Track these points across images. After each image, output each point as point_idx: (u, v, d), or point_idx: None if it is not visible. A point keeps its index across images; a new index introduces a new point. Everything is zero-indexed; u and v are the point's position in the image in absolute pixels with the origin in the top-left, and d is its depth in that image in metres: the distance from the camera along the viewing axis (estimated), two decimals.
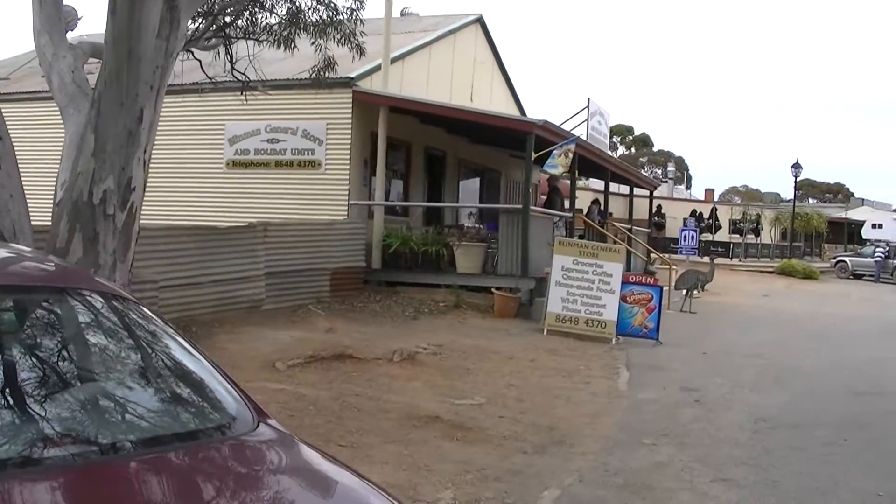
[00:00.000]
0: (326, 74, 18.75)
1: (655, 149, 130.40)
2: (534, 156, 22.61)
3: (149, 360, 4.93)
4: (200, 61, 16.64)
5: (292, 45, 17.83)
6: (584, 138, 27.92)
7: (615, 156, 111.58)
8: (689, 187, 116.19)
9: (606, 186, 33.45)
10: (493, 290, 21.96)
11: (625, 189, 39.86)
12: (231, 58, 16.98)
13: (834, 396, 15.29)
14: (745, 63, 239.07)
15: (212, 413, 4.68)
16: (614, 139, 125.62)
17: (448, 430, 11.23)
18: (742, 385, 15.83)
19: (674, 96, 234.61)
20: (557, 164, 22.23)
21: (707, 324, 25.26)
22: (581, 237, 28.34)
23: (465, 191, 32.04)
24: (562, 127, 25.42)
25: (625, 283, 20.35)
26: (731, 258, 60.88)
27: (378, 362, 14.74)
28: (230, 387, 4.90)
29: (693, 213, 64.50)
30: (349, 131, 24.15)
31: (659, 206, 63.69)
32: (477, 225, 27.04)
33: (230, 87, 19.54)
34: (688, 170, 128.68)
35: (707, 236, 63.06)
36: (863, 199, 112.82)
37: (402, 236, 23.33)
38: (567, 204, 29.12)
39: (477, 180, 33.27)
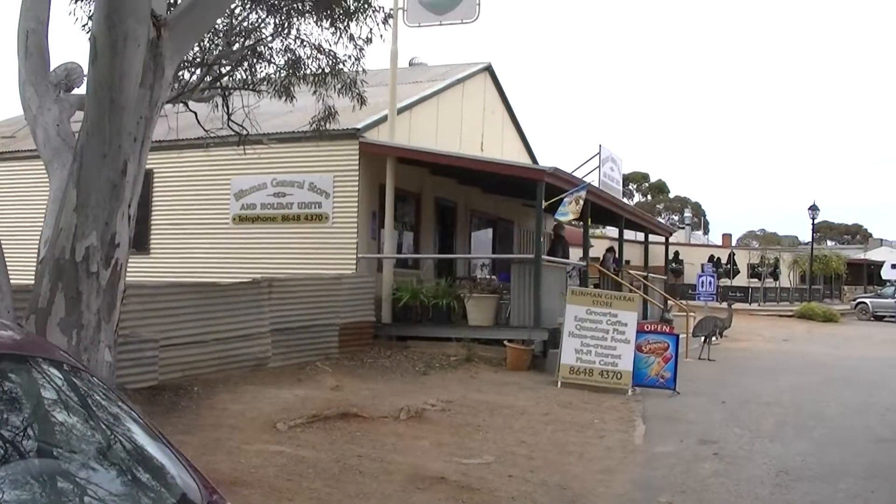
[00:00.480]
0: (328, 125, 18.38)
1: (672, 195, 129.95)
2: (545, 204, 22.15)
3: (92, 434, 4.46)
4: (196, 113, 16.27)
5: (292, 95, 17.43)
6: (597, 185, 27.46)
7: (631, 203, 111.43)
8: (706, 233, 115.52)
9: (621, 234, 32.95)
10: (505, 342, 21.44)
11: (640, 236, 39.45)
12: (228, 109, 16.58)
13: (858, 444, 14.70)
14: (761, 107, 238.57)
15: (158, 491, 4.19)
16: (630, 186, 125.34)
17: (454, 491, 10.71)
18: (762, 435, 15.25)
19: (689, 142, 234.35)
20: (568, 211, 21.75)
21: (726, 371, 24.67)
22: (596, 286, 27.87)
23: (478, 241, 31.59)
24: (573, 174, 24.97)
25: (640, 332, 19.81)
26: (749, 303, 60.55)
27: (384, 421, 14.22)
28: (180, 462, 4.41)
29: (711, 259, 63.89)
30: (356, 183, 23.74)
31: (676, 253, 63.29)
32: (489, 276, 26.58)
33: (235, 142, 19.15)
34: (705, 215, 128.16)
35: (725, 281, 62.64)
36: (881, 240, 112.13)
37: (412, 289, 22.85)
38: (571, 252, 28.59)
39: (490, 231, 32.81)
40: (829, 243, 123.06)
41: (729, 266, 65.80)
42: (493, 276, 26.06)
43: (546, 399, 17.71)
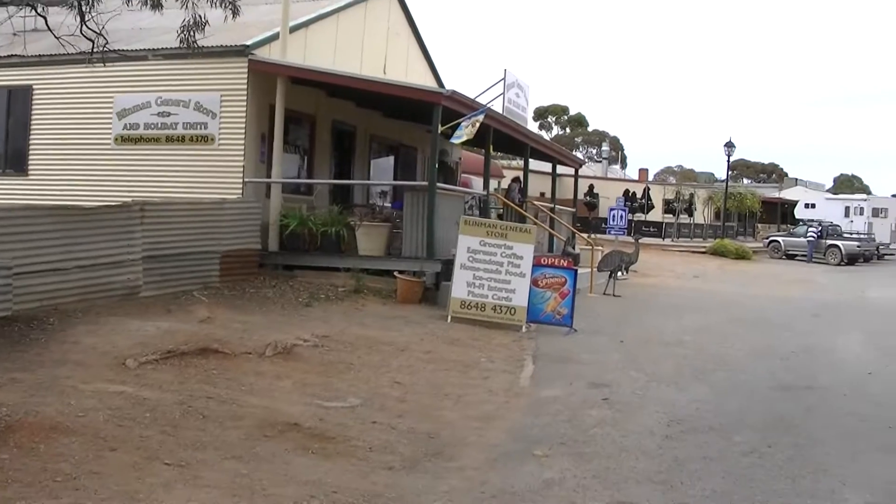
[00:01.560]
0: (196, 36, 16.82)
1: (591, 129, 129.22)
2: (441, 129, 20.93)
3: None
4: (46, 18, 14.72)
5: (159, 4, 15.93)
6: (501, 111, 26.15)
7: (549, 136, 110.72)
8: (623, 167, 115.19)
9: (526, 163, 31.75)
10: (395, 273, 20.24)
11: (559, 170, 38.51)
12: (82, 14, 15.03)
13: (759, 391, 13.74)
14: (683, 44, 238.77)
15: None
16: (549, 119, 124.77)
17: (305, 440, 9.56)
18: (659, 379, 14.22)
19: (610, 76, 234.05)
20: (464, 135, 20.58)
21: (630, 308, 23.77)
22: (500, 217, 26.78)
23: (379, 169, 30.15)
24: (475, 99, 23.60)
25: (536, 265, 18.75)
26: (663, 238, 60.29)
27: (248, 357, 12.95)
28: None
29: (626, 193, 63.13)
30: (244, 103, 22.33)
31: (591, 186, 62.85)
32: (386, 204, 25.31)
33: (118, 58, 17.75)
34: (623, 150, 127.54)
35: (640, 216, 62.06)
36: (796, 180, 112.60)
37: (300, 216, 21.54)
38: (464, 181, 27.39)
39: (391, 158, 31.37)
40: (745, 181, 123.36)
41: (644, 201, 65.10)
42: (386, 204, 24.79)
43: (433, 335, 16.53)
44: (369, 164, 29.35)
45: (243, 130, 22.34)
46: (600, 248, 31.28)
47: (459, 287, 18.45)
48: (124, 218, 17.64)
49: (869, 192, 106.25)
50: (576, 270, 19.36)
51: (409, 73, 31.46)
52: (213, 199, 21.04)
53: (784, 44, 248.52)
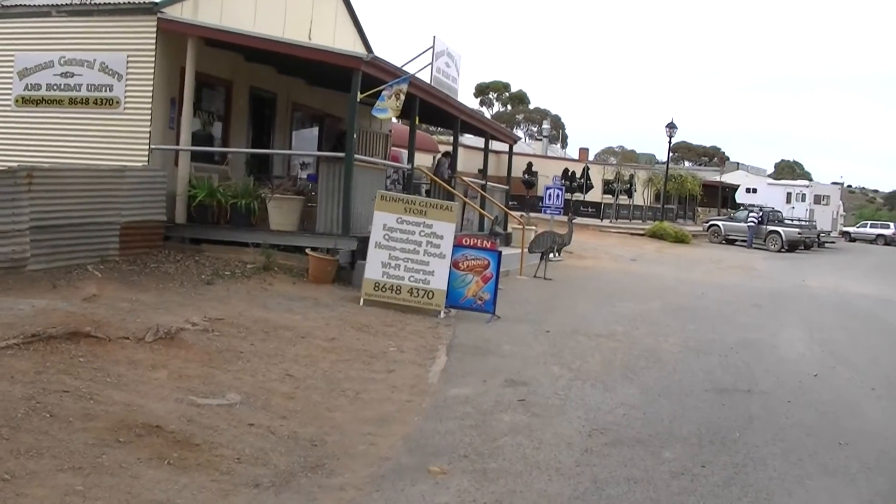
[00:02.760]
0: None
1: (532, 107, 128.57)
2: (360, 96, 19.56)
3: None
4: None
5: None
6: (429, 82, 24.69)
7: (490, 113, 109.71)
8: (564, 147, 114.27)
9: (456, 137, 30.43)
10: (307, 250, 18.81)
11: (496, 146, 37.39)
12: None
13: (694, 394, 12.42)
14: (627, 23, 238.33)
15: None
16: (490, 96, 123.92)
17: (165, 447, 8.14)
18: (584, 377, 12.88)
19: (553, 55, 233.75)
20: (387, 107, 19.31)
21: (561, 293, 22.51)
22: (428, 194, 25.42)
23: (302, 140, 28.65)
24: (401, 67, 22.12)
25: (458, 246, 17.39)
26: (601, 220, 59.56)
27: (124, 343, 11.42)
28: None
29: (565, 173, 62.01)
30: (152, 65, 20.78)
31: (530, 164, 62.05)
32: (299, 175, 23.82)
33: (19, 13, 16.26)
34: (564, 129, 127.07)
35: (578, 196, 61.06)
36: (738, 164, 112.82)
37: (208, 187, 20.06)
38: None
39: (315, 129, 29.84)
40: (687, 164, 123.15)
41: (583, 181, 64.03)
42: (302, 176, 23.34)
43: (341, 320, 15.11)
44: (291, 134, 27.83)
45: (151, 94, 20.79)
46: (533, 227, 30.13)
47: (374, 267, 17.08)
48: (9, 185, 16.11)
49: (810, 179, 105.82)
50: (500, 252, 17.97)
51: (336, 40, 29.87)
52: (113, 166, 19.49)
53: (728, 28, 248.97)
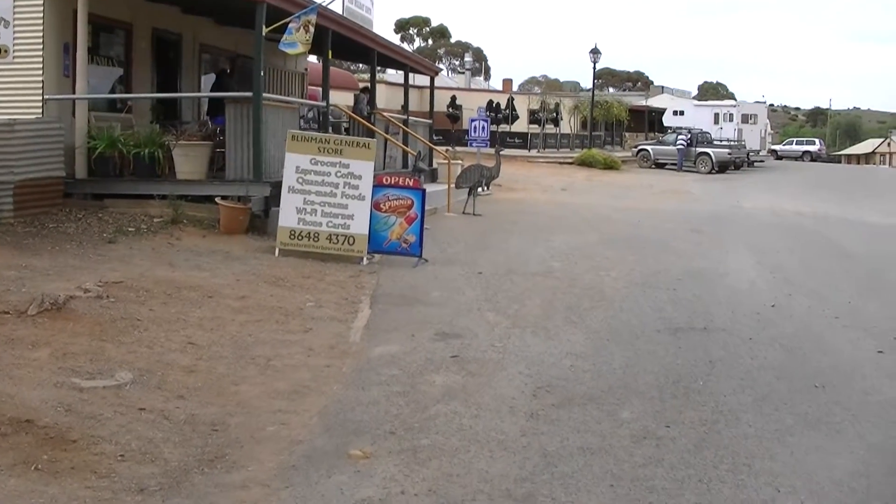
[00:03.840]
0: None
1: (454, 41, 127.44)
2: (265, 30, 18.19)
3: None
4: None
5: None
6: (341, 12, 23.30)
7: (412, 48, 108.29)
8: (487, 79, 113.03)
9: (373, 71, 28.96)
10: (217, 199, 17.42)
11: (419, 81, 36.07)
12: None
13: (646, 336, 11.22)
14: None
15: None
16: (411, 31, 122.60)
17: (35, 447, 6.80)
18: (524, 324, 11.65)
19: None
20: (296, 40, 17.94)
21: (492, 229, 21.29)
22: (347, 133, 24.07)
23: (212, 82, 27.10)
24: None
25: (378, 186, 16.04)
26: (529, 150, 58.57)
27: (3, 318, 10.02)
28: None
29: (489, 104, 60.82)
30: (41, 9, 19.18)
31: (454, 98, 61.04)
32: (207, 120, 22.29)
33: None
34: (487, 61, 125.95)
35: (504, 128, 59.89)
36: (662, 87, 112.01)
37: (108, 137, 18.57)
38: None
39: (227, 71, 28.30)
40: (611, 90, 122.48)
41: (508, 112, 62.83)
42: (208, 119, 21.81)
43: (254, 274, 13.75)
44: (199, 79, 26.25)
45: (41, 40, 19.17)
46: (460, 161, 28.92)
47: (288, 214, 15.72)
48: None
49: (735, 99, 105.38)
50: (424, 190, 16.68)
51: None
52: (1, 120, 17.97)
53: None
